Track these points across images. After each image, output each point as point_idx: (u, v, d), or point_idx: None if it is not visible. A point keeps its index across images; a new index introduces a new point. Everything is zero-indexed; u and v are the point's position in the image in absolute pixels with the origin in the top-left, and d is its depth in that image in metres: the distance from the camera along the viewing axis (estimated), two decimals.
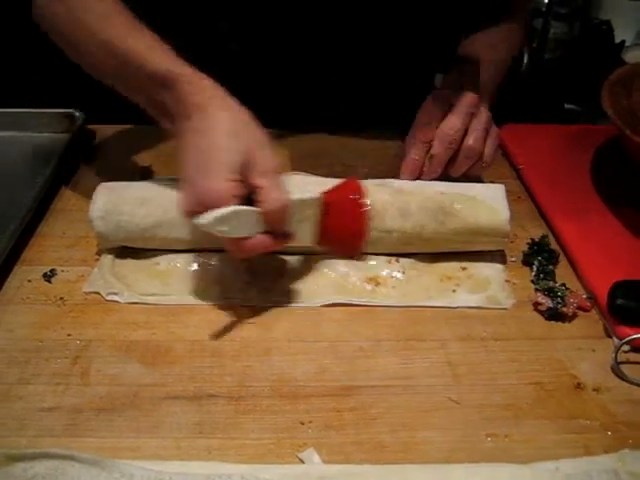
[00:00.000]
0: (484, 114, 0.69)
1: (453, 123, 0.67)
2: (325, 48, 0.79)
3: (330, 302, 0.58)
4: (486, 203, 0.62)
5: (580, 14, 1.63)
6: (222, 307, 0.58)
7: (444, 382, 0.52)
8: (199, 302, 0.59)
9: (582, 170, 0.78)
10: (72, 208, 0.71)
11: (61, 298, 0.59)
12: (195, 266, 0.61)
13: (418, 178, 0.68)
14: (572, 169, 0.78)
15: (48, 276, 0.61)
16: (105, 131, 0.85)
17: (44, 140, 0.83)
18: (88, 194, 0.72)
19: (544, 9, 1.62)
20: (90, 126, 0.84)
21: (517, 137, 0.83)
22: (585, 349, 0.55)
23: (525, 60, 1.61)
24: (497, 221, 0.61)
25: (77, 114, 0.83)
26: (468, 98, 0.68)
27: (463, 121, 0.67)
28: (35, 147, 0.82)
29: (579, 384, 0.52)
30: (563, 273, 0.63)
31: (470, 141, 0.67)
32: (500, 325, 0.57)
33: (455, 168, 0.68)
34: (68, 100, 0.85)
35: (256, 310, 0.58)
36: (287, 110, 0.79)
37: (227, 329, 0.56)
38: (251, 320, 0.57)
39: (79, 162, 0.79)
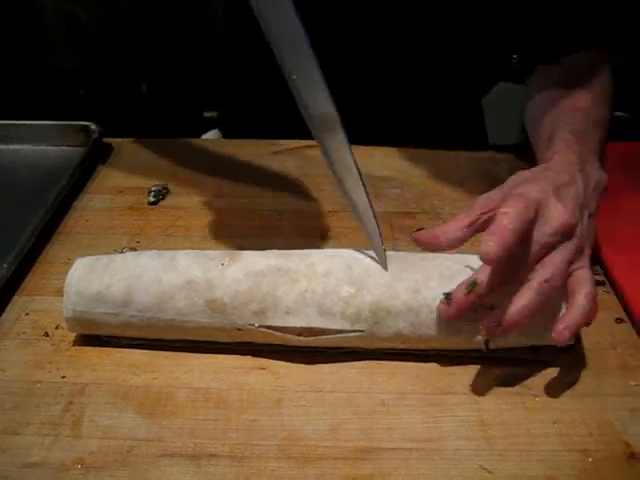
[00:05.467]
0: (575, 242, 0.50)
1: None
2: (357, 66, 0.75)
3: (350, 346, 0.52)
4: None
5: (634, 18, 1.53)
6: (231, 350, 0.53)
7: (475, 446, 0.46)
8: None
9: (633, 194, 0.71)
10: (80, 230, 0.67)
11: (59, 335, 0.55)
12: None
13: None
14: (624, 192, 0.71)
15: (47, 309, 0.57)
16: (121, 145, 0.81)
17: (58, 154, 0.80)
18: (100, 214, 0.69)
19: None
20: (106, 139, 0.81)
21: None
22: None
23: None
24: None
25: (93, 127, 0.80)
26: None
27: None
28: (49, 161, 0.79)
29: (633, 454, 0.45)
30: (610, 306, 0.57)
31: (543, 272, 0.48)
32: (540, 377, 0.51)
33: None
34: (85, 112, 0.82)
35: (267, 354, 0.52)
36: None
37: (235, 375, 0.51)
38: (262, 365, 0.52)
39: (93, 178, 0.75)
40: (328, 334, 0.50)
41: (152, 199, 0.71)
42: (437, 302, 0.49)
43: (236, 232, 0.66)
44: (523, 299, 0.47)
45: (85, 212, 0.70)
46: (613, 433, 0.47)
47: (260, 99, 0.83)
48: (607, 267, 0.61)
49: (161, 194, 0.72)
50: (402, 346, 0.51)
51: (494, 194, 0.52)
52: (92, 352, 0.53)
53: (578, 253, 0.50)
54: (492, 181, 0.60)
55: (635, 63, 1.42)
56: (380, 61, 0.78)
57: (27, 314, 0.57)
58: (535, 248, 0.49)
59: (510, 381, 0.51)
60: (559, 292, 0.49)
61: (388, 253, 0.53)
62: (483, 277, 0.47)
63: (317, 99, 0.49)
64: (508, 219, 0.46)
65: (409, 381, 0.51)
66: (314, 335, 0.51)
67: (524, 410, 0.48)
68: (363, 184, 0.52)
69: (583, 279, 0.50)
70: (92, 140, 0.78)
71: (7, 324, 0.56)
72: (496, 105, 1.00)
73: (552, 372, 0.51)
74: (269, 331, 0.50)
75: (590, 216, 0.53)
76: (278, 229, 0.67)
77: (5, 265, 0.58)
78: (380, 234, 0.52)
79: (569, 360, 0.52)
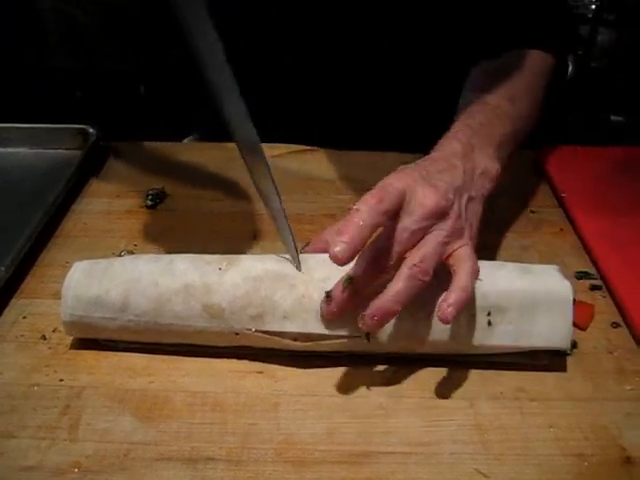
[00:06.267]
0: (451, 221, 0.50)
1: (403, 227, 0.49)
2: (341, 65, 0.76)
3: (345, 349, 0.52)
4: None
5: (630, 20, 1.54)
6: (228, 354, 0.53)
7: (472, 450, 0.46)
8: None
9: (631, 198, 0.71)
10: (78, 234, 0.67)
11: (57, 338, 0.55)
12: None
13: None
14: (620, 197, 0.71)
15: (45, 312, 0.57)
16: (120, 148, 0.81)
17: (56, 156, 0.80)
18: (98, 217, 0.69)
19: (591, 15, 1.54)
20: (105, 142, 0.81)
21: (559, 161, 0.76)
22: (635, 415, 0.48)
23: (570, 69, 1.54)
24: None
25: (91, 130, 0.80)
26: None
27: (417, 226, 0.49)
28: (46, 164, 0.79)
29: (628, 458, 0.45)
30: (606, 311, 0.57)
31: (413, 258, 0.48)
32: (537, 382, 0.51)
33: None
34: (83, 115, 0.82)
35: (264, 358, 0.52)
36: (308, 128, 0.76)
37: (232, 379, 0.51)
38: (259, 369, 0.52)
39: (91, 181, 0.76)
40: (325, 339, 0.50)
41: (150, 203, 0.71)
42: (435, 308, 0.49)
43: (234, 236, 0.66)
44: (394, 286, 0.47)
45: (83, 215, 0.70)
46: (609, 437, 0.47)
47: (259, 102, 0.83)
48: (603, 271, 0.61)
49: (159, 198, 0.72)
50: (400, 351, 0.52)
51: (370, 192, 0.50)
52: (89, 355, 0.53)
53: (455, 234, 0.50)
54: None
55: (632, 69, 1.43)
56: (380, 61, 0.79)
57: (25, 317, 0.57)
58: (405, 235, 0.48)
59: (507, 386, 0.51)
60: (431, 274, 0.48)
61: None
62: (357, 272, 0.48)
63: (241, 125, 0.51)
64: (358, 216, 0.46)
65: (406, 385, 0.51)
66: (311, 340, 0.51)
67: (520, 414, 0.49)
68: (278, 194, 0.54)
69: (463, 256, 0.49)
70: (90, 143, 0.79)
71: (5, 327, 0.56)
72: None
73: (548, 376, 0.51)
74: (266, 336, 0.51)
75: (471, 199, 0.53)
76: (276, 233, 0.67)
77: (3, 268, 0.58)
78: (293, 238, 0.53)
79: (565, 365, 0.52)
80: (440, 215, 0.50)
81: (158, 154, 0.80)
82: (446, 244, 0.49)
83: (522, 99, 0.65)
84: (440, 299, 0.48)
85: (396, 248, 0.48)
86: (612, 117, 1.49)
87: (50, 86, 0.89)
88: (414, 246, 0.49)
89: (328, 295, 0.49)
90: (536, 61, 0.70)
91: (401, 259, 0.48)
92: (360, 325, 0.48)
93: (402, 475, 0.44)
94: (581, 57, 1.54)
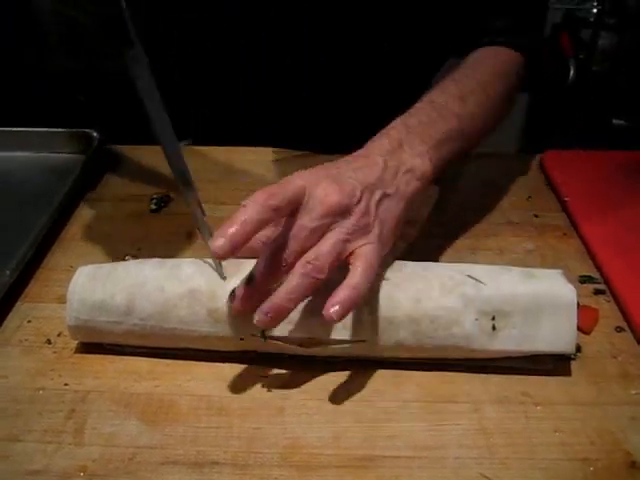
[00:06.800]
0: (358, 214, 0.49)
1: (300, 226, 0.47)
2: (329, 67, 0.76)
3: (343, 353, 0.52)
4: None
5: (631, 24, 1.54)
6: (233, 358, 0.53)
7: (476, 454, 0.46)
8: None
9: (634, 201, 0.71)
10: (82, 238, 0.67)
11: (62, 342, 0.55)
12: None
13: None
14: (622, 200, 0.71)
15: (50, 316, 0.57)
16: (123, 152, 0.81)
17: (59, 161, 0.80)
18: (101, 221, 0.69)
19: (592, 19, 1.55)
20: (108, 146, 0.81)
21: (562, 165, 0.76)
22: None
23: (572, 72, 1.54)
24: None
25: (94, 134, 0.80)
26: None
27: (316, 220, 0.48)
28: (50, 168, 0.79)
29: (634, 463, 0.45)
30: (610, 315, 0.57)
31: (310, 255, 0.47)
32: (541, 386, 0.51)
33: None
34: (85, 119, 0.82)
35: (271, 362, 0.53)
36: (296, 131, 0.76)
37: (237, 383, 0.51)
38: (265, 373, 0.52)
39: (95, 185, 0.76)
40: (330, 344, 0.51)
41: (154, 207, 0.71)
42: (439, 312, 0.50)
43: None
44: (287, 284, 0.46)
45: (87, 219, 0.70)
46: (614, 442, 0.47)
47: (259, 103, 0.83)
48: (607, 276, 0.61)
49: (163, 202, 0.72)
50: (404, 355, 0.52)
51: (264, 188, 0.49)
52: (94, 359, 0.53)
53: (358, 231, 0.48)
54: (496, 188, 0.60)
55: (633, 72, 1.43)
56: (380, 62, 0.79)
57: (29, 321, 0.57)
58: (304, 233, 0.47)
59: (512, 390, 0.51)
60: (326, 272, 0.47)
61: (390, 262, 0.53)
62: (257, 270, 0.48)
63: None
64: (243, 212, 0.46)
65: (411, 389, 0.51)
66: (316, 345, 0.51)
67: (525, 419, 0.49)
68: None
69: (362, 254, 0.48)
70: (94, 147, 0.79)
71: (9, 331, 0.56)
72: None
73: (553, 381, 0.51)
74: (271, 341, 0.51)
75: (386, 196, 0.51)
76: None
77: (7, 272, 0.59)
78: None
79: (570, 369, 0.52)
80: (342, 213, 0.48)
81: (162, 158, 0.79)
82: (346, 241, 0.48)
83: (475, 97, 0.63)
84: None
85: (294, 247, 0.47)
86: (614, 121, 1.50)
87: (51, 88, 0.89)
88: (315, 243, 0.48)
89: (232, 293, 0.49)
90: (500, 60, 0.70)
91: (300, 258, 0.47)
92: (255, 321, 0.47)
93: (407, 479, 0.44)
94: (583, 61, 1.55)
